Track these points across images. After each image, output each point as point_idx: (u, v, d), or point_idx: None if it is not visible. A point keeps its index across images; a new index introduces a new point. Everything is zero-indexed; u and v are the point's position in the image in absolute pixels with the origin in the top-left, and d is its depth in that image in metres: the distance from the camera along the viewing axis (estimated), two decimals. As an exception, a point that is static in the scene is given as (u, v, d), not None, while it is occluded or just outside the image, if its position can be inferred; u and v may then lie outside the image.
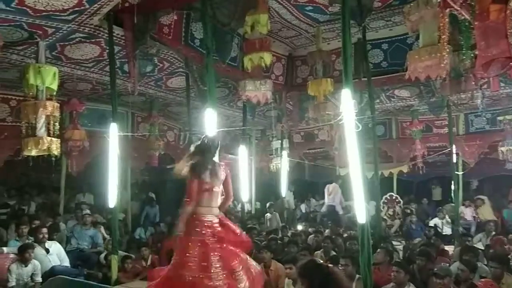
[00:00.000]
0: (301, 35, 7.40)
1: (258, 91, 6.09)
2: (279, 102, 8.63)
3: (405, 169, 10.79)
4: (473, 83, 5.74)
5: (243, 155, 8.30)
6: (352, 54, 3.51)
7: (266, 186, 12.58)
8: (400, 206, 10.46)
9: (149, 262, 5.99)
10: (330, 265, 2.95)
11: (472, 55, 4.91)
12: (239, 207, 11.08)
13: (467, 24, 4.42)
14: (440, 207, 9.89)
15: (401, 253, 6.37)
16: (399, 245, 7.25)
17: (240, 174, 8.26)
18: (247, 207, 10.71)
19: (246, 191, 8.68)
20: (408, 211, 9.71)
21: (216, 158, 3.46)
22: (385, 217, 9.88)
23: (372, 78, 6.62)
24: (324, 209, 11.07)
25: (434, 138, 10.39)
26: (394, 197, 10.64)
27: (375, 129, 6.67)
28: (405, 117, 10.57)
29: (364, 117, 5.19)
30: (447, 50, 3.94)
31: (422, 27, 4.34)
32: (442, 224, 8.98)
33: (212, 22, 4.88)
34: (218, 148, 3.51)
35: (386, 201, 10.47)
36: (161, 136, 9.34)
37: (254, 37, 5.74)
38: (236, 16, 5.49)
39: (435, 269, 4.21)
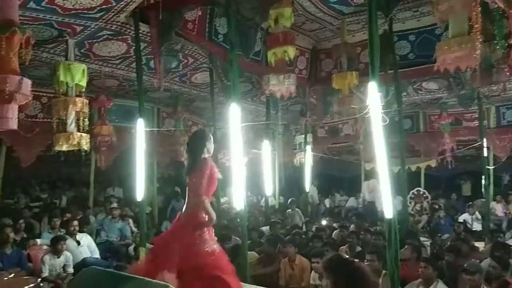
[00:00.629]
0: (325, 28, 7.29)
1: (281, 85, 6.05)
2: (303, 96, 8.57)
3: (433, 163, 10.56)
4: (508, 73, 5.51)
5: (266, 149, 8.31)
6: (378, 46, 3.42)
7: (290, 181, 12.57)
8: (427, 202, 10.24)
9: (175, 255, 6.09)
10: (355, 260, 2.92)
11: (506, 45, 4.72)
12: (262, 202, 11.14)
13: (500, 12, 4.25)
14: (470, 203, 9.61)
15: (428, 249, 6.24)
16: (426, 241, 7.10)
17: (264, 169, 8.28)
18: (271, 201, 10.75)
19: (269, 186, 8.71)
20: (436, 206, 9.50)
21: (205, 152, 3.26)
22: (412, 212, 9.69)
23: (399, 70, 6.48)
24: (356, 204, 10.97)
25: (463, 131, 10.09)
26: (421, 192, 10.42)
27: (402, 122, 6.52)
28: (433, 110, 10.32)
29: (390, 111, 5.08)
30: (479, 40, 3.80)
31: (452, 17, 4.19)
32: (471, 220, 8.74)
33: (236, 17, 4.88)
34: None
35: (413, 196, 10.27)
36: (186, 131, 9.46)
37: (277, 30, 5.70)
38: (260, 10, 5.48)
39: (465, 265, 4.11)
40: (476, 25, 3.43)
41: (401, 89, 6.73)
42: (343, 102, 7.01)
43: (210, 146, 3.35)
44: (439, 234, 7.48)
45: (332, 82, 6.98)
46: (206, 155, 3.25)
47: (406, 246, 4.89)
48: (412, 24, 7.10)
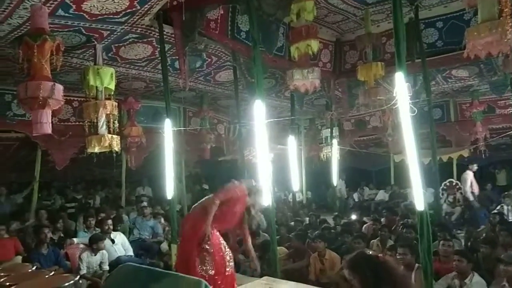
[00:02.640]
0: (348, 19, 7.18)
1: (306, 79, 6.01)
2: (328, 89, 8.48)
3: (465, 153, 10.25)
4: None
5: (292, 145, 8.29)
6: (404, 35, 3.34)
7: (317, 176, 12.49)
8: (461, 193, 9.93)
9: (206, 251, 6.19)
10: (379, 255, 2.87)
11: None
12: (290, 197, 11.13)
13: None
14: (506, 193, 9.26)
15: (463, 242, 6.07)
16: (460, 233, 6.92)
17: (290, 164, 8.27)
18: (298, 196, 10.74)
19: (296, 181, 8.69)
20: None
21: None
22: (445, 204, 9.43)
23: (427, 59, 6.32)
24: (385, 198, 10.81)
25: (497, 119, 9.75)
26: (454, 183, 10.11)
27: (431, 112, 6.36)
28: (464, 98, 10.01)
29: (419, 101, 4.96)
30: (510, 24, 3.65)
31: (481, 2, 4.04)
32: (508, 210, 8.41)
33: (258, 13, 4.88)
34: None
35: (445, 187, 9.98)
36: (211, 130, 9.57)
37: (300, 25, 5.67)
38: (282, 5, 5.45)
39: (502, 256, 3.98)
40: (506, 9, 3.29)
41: (429, 78, 6.56)
42: (369, 94, 6.90)
43: None
44: (474, 226, 7.27)
45: (357, 74, 6.88)
46: None
47: (442, 242, 4.76)
48: (439, 10, 6.89)
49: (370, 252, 2.65)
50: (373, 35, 6.80)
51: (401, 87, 3.19)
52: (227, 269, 3.56)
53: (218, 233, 3.62)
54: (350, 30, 7.66)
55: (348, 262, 2.56)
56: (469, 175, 9.17)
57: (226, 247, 3.66)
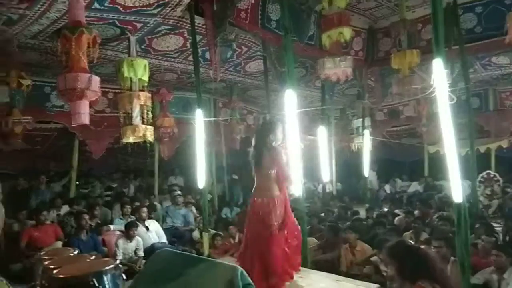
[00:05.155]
0: (382, 5, 6.97)
1: (337, 68, 5.91)
2: (360, 78, 8.31)
3: (505, 144, 9.82)
4: None
5: (322, 135, 8.20)
6: (442, 20, 3.21)
7: (348, 167, 12.32)
8: (499, 185, 9.54)
9: (236, 240, 6.29)
10: (422, 246, 2.82)
11: None
12: (320, 188, 11.05)
13: None
14: (548, 185, 8.84)
15: (500, 236, 5.85)
16: (498, 226, 6.66)
17: (320, 155, 8.19)
18: (328, 188, 10.65)
19: (326, 172, 8.61)
20: (509, 190, 8.84)
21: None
22: (482, 197, 9.10)
23: (465, 45, 6.07)
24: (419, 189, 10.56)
25: (539, 108, 9.25)
26: (492, 175, 9.71)
27: (470, 101, 6.13)
28: (504, 86, 9.56)
29: (457, 89, 4.78)
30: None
31: (526, -17, 3.84)
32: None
33: (289, 2, 4.82)
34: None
35: (482, 179, 9.60)
36: (241, 120, 9.61)
37: (332, 12, 5.54)
38: (313, -8, 5.37)
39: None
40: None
41: (467, 65, 6.30)
42: (404, 83, 6.68)
43: (276, 136, 3.66)
44: (512, 220, 6.98)
45: (391, 62, 6.69)
46: (274, 144, 3.60)
47: (483, 237, 4.62)
48: (478, -6, 6.58)
49: (412, 242, 2.61)
50: (408, 22, 6.56)
51: (439, 74, 3.08)
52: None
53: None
54: (384, 16, 7.44)
55: (388, 249, 2.54)
56: None
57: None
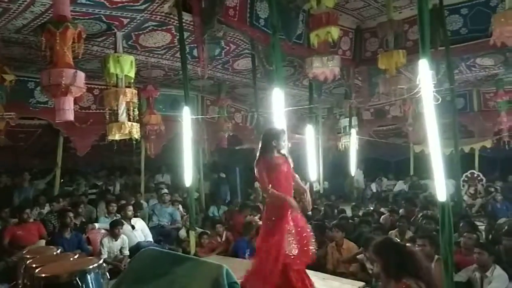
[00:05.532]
0: (369, 5, 7.02)
1: (325, 67, 5.92)
2: (347, 78, 8.36)
3: (488, 144, 10.02)
4: None
5: (310, 134, 8.23)
6: (428, 21, 3.24)
7: (334, 165, 12.41)
8: (482, 184, 9.74)
9: (223, 238, 6.27)
10: (407, 244, 2.85)
11: None
12: (307, 187, 11.09)
13: None
14: (530, 185, 9.05)
15: (483, 234, 5.96)
16: (481, 225, 6.79)
17: (308, 154, 8.22)
18: (315, 186, 10.70)
19: (314, 171, 8.63)
20: (492, 189, 9.02)
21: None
22: (466, 196, 9.27)
23: (451, 46, 6.15)
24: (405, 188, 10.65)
25: (522, 109, 9.43)
26: (475, 175, 9.91)
27: (454, 101, 6.22)
28: (488, 87, 9.74)
29: (442, 89, 4.84)
30: (542, 9, 3.51)
31: (510, -14, 3.90)
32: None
33: (277, 0, 4.81)
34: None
35: (466, 179, 9.80)
36: (229, 118, 9.59)
37: (320, 11, 5.57)
38: (302, -9, 5.37)
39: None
40: (539, -7, 3.16)
41: (453, 66, 6.39)
42: (390, 83, 6.75)
43: (279, 143, 3.63)
44: (496, 218, 7.12)
45: (378, 62, 6.75)
46: (274, 153, 3.61)
47: (465, 234, 4.69)
48: (464, -4, 6.68)
49: (398, 240, 2.64)
50: (395, 22, 6.62)
51: (425, 74, 3.11)
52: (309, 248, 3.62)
53: (300, 216, 3.68)
54: (371, 17, 7.50)
55: (374, 247, 2.56)
56: None
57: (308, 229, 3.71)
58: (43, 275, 2.96)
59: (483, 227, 6.53)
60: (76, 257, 3.55)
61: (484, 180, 9.91)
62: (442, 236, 3.27)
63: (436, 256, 3.98)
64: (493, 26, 4.08)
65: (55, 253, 3.88)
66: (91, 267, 3.02)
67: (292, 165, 3.74)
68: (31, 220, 6.12)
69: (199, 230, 6.43)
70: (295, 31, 6.34)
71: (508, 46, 4.65)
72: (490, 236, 5.84)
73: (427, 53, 3.17)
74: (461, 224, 5.31)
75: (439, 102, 3.11)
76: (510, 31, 3.95)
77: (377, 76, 7.76)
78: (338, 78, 6.79)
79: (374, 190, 12.31)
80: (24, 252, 4.03)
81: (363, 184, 12.55)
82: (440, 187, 3.14)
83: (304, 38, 6.90)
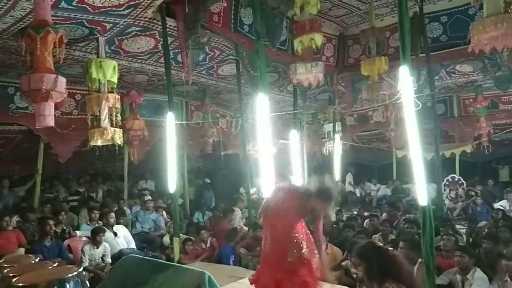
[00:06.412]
0: (352, 13, 7.13)
1: (309, 73, 5.99)
2: (331, 84, 8.46)
3: (468, 149, 10.23)
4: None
5: (294, 139, 8.27)
6: (409, 29, 3.31)
7: (319, 170, 12.48)
8: (463, 188, 9.94)
9: (208, 244, 6.23)
10: (390, 248, 2.88)
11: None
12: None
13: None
14: (508, 189, 9.24)
15: (464, 237, 6.08)
16: (462, 228, 6.92)
17: (292, 159, 8.25)
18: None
19: (298, 176, 8.66)
20: (473, 193, 9.21)
21: None
22: (447, 199, 9.43)
23: (431, 53, 6.29)
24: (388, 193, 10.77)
25: (500, 115, 9.73)
26: (456, 179, 10.11)
27: (435, 107, 6.35)
28: (467, 93, 9.98)
29: (423, 95, 4.94)
30: (516, 18, 3.62)
31: (487, -5, 4.01)
32: (510, 206, 8.40)
33: (261, 7, 4.85)
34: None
35: (447, 183, 9.99)
36: (214, 124, 9.57)
37: (303, 18, 5.63)
38: (285, -2, 5.42)
39: (504, 251, 3.99)
40: (512, 3, 3.26)
41: (433, 72, 6.53)
42: (373, 89, 6.87)
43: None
44: (476, 222, 7.27)
45: (360, 69, 6.85)
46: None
47: (444, 236, 4.77)
48: (443, 4, 6.84)
49: (380, 244, 2.67)
50: (377, 29, 6.76)
51: (405, 81, 3.17)
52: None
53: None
54: (354, 24, 7.61)
55: (357, 250, 2.59)
56: None
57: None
58: (21, 284, 2.89)
59: (464, 231, 6.67)
60: (55, 265, 3.48)
61: (465, 184, 10.11)
62: (423, 239, 3.33)
63: (419, 260, 4.04)
64: (471, 34, 4.17)
65: (33, 261, 3.79)
66: (70, 275, 2.96)
67: None
68: (10, 228, 5.97)
69: (183, 236, 6.37)
70: (279, 37, 6.39)
71: (485, 53, 4.76)
72: (471, 239, 5.95)
73: (407, 60, 3.24)
74: (441, 228, 5.40)
75: (419, 108, 3.18)
76: (487, 38, 4.03)
77: (360, 82, 7.89)
78: (322, 84, 6.87)
79: (358, 195, 12.43)
80: (1, 261, 3.92)
81: (353, 188, 12.68)
82: (421, 192, 3.19)
83: (288, 45, 6.96)
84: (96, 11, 4.86)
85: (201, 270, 2.52)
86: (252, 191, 8.96)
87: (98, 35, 5.45)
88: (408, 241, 4.33)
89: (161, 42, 5.76)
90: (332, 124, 10.18)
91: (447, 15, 6.96)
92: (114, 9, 4.89)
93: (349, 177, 12.64)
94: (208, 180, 12.14)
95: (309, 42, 5.69)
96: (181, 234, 6.18)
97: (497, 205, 8.45)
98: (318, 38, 5.68)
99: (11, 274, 3.12)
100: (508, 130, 8.75)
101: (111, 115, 5.57)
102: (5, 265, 3.57)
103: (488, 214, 7.83)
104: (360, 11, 7.07)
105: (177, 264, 2.58)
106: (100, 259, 5.58)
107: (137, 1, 4.82)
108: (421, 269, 3.71)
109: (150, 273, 2.39)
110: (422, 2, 5.82)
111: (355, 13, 7.15)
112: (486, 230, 5.89)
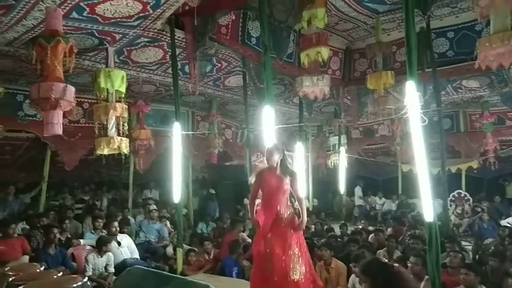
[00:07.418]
0: (359, 27, 7.19)
1: (315, 86, 6.02)
2: (337, 97, 8.48)
3: (474, 164, 10.16)
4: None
5: (299, 151, 8.27)
6: (416, 44, 3.33)
7: (324, 183, 12.45)
8: (469, 204, 9.85)
9: (211, 256, 6.19)
10: (395, 264, 2.85)
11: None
12: (296, 204, 11.07)
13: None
14: (516, 205, 9.18)
15: (470, 254, 6.00)
16: (468, 245, 6.83)
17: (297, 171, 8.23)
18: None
19: (303, 188, 8.64)
20: (479, 209, 9.11)
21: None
22: (453, 215, 9.34)
23: (437, 68, 6.30)
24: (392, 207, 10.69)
25: (507, 131, 9.68)
26: (462, 195, 10.04)
27: (441, 122, 6.32)
28: (474, 109, 9.96)
29: (429, 110, 4.94)
30: (523, 35, 3.63)
31: (493, 12, 4.03)
32: (516, 223, 8.30)
33: (269, 20, 4.90)
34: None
35: (453, 199, 9.91)
36: (219, 134, 9.59)
37: (310, 32, 5.68)
38: (293, 12, 5.49)
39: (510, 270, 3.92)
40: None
41: (439, 88, 6.53)
42: (379, 103, 6.87)
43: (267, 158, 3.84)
44: (482, 239, 7.18)
45: (366, 82, 6.87)
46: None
47: (451, 253, 4.70)
48: (450, 20, 6.88)
49: (385, 260, 2.64)
50: (383, 44, 6.80)
51: (412, 96, 3.18)
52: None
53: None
54: (361, 38, 7.67)
55: (362, 266, 2.55)
56: None
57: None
58: (25, 293, 2.89)
59: (470, 247, 6.58)
60: (60, 274, 3.47)
61: (471, 200, 10.03)
62: (429, 256, 3.29)
63: (426, 277, 3.98)
64: (478, 50, 4.18)
65: (38, 270, 3.79)
66: (74, 285, 2.95)
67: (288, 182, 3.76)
68: (16, 235, 5.98)
69: (187, 247, 6.34)
70: (286, 50, 6.44)
71: (492, 70, 4.76)
72: (477, 257, 5.87)
73: (414, 75, 3.25)
74: (447, 245, 5.34)
75: (426, 123, 3.18)
76: (494, 55, 4.04)
77: (366, 96, 7.89)
78: (327, 97, 6.88)
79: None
80: (6, 268, 3.92)
81: (362, 201, 12.60)
82: (427, 207, 3.17)
83: (294, 58, 7.01)
84: (106, 22, 4.94)
85: (205, 283, 2.50)
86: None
87: (108, 45, 5.53)
88: (419, 256, 4.25)
89: (169, 53, 5.83)
90: (337, 137, 10.17)
91: (454, 30, 7.00)
92: (124, 20, 4.97)
93: (358, 191, 12.57)
94: (212, 191, 12.13)
95: (315, 55, 5.73)
96: (184, 245, 6.15)
97: (504, 222, 8.35)
98: (325, 52, 5.72)
99: (16, 283, 3.11)
100: (515, 146, 8.70)
101: (118, 124, 5.60)
102: (10, 273, 3.57)
103: (495, 231, 7.74)
104: (367, 26, 7.12)
105: (181, 277, 2.56)
106: (104, 269, 5.55)
107: (146, 13, 4.89)
108: (428, 286, 3.66)
109: (155, 285, 2.38)
110: (429, 18, 5.84)
111: (362, 27, 7.21)
112: (492, 248, 5.81)
